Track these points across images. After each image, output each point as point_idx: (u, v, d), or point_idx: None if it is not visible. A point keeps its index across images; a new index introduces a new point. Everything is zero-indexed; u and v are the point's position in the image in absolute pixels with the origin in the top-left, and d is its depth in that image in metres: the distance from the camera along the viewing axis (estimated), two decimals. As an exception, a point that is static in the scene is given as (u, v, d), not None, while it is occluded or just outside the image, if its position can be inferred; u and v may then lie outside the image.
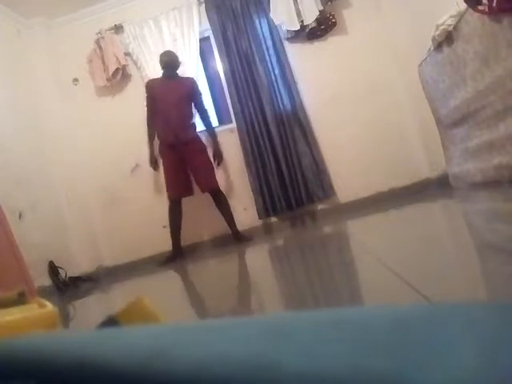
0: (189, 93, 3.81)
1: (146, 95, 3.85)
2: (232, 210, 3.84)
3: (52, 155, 4.05)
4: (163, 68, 3.83)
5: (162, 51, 3.95)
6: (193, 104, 3.87)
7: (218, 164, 3.98)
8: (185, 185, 3.77)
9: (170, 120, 3.72)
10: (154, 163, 3.91)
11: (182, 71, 4.20)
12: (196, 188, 3.80)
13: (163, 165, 3.84)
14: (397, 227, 2.26)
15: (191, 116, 3.86)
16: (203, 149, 3.83)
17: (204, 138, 4.00)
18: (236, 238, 3.80)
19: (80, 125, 4.33)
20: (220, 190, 3.82)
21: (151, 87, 3.82)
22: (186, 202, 3.80)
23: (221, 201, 3.79)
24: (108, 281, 3.75)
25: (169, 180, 3.75)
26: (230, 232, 3.84)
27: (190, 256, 3.81)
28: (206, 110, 3.94)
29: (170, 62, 3.80)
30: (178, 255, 3.73)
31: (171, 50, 3.98)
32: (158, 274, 3.22)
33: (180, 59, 3.95)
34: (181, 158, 3.73)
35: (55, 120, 4.20)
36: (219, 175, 4.06)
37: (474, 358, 0.17)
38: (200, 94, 3.91)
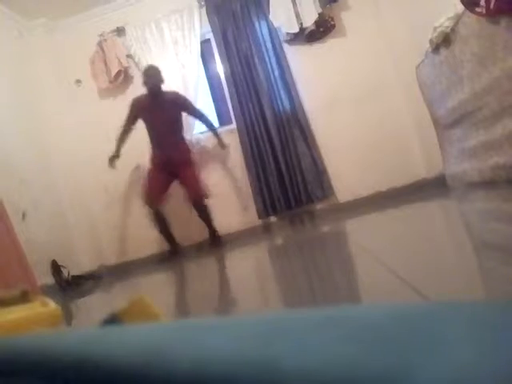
0: (176, 108, 3.81)
1: (128, 112, 3.82)
2: (232, 210, 3.87)
3: (54, 155, 4.07)
4: (147, 85, 3.74)
5: (147, 66, 3.85)
6: (186, 114, 3.90)
7: (222, 147, 4.02)
8: (163, 195, 3.78)
9: (161, 141, 3.76)
10: (115, 157, 3.85)
11: (182, 74, 4.24)
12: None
13: (150, 173, 3.82)
14: (395, 226, 2.27)
15: (181, 131, 3.88)
16: (192, 161, 3.86)
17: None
18: (213, 243, 3.83)
19: (82, 126, 4.36)
20: (205, 205, 3.79)
21: (137, 108, 3.80)
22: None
23: (204, 214, 3.79)
24: (110, 279, 3.77)
25: (150, 189, 3.74)
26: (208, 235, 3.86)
27: (191, 254, 3.84)
28: (202, 115, 3.94)
29: (154, 80, 3.73)
30: (177, 251, 3.81)
31: (153, 65, 3.86)
32: (160, 273, 3.24)
33: (162, 75, 3.81)
34: (170, 171, 3.75)
35: (58, 121, 4.22)
36: (220, 176, 4.09)
37: (473, 356, 0.18)
38: (189, 103, 3.92)
